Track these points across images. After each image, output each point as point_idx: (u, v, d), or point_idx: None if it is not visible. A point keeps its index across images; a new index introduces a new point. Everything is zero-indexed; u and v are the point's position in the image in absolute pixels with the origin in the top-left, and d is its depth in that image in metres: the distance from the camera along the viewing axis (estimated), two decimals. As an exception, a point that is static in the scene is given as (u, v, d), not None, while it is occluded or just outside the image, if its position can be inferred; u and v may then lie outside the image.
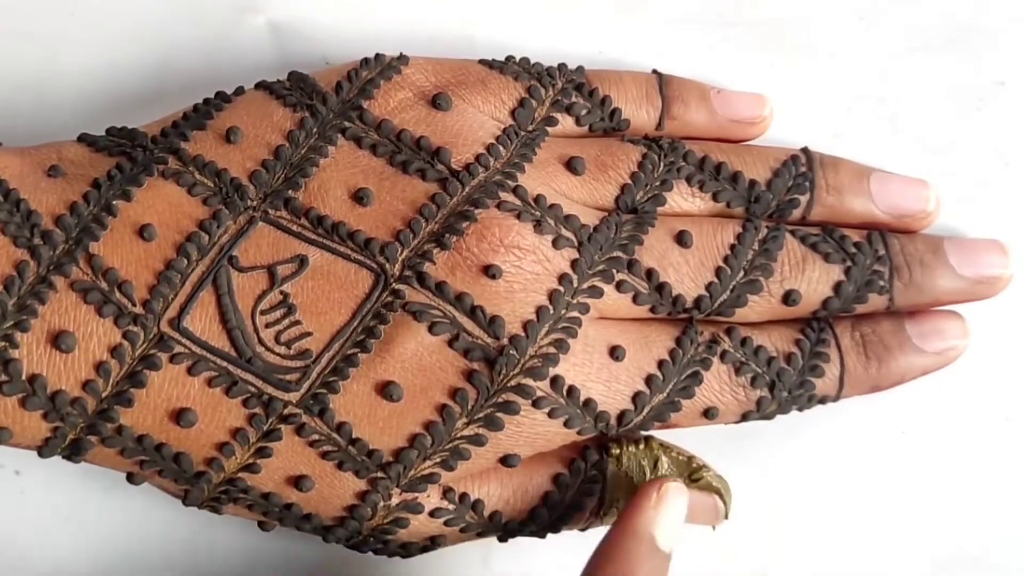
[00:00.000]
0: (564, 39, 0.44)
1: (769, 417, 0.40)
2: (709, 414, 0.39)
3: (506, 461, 0.38)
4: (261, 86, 0.40)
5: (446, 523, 0.38)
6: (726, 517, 0.41)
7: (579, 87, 0.41)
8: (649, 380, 0.38)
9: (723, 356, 0.39)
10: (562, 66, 0.41)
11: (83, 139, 0.39)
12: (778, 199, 0.41)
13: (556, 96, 0.41)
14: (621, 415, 0.38)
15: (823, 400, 0.40)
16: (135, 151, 0.38)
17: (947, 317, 0.41)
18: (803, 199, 0.41)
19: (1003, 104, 0.44)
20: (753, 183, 0.40)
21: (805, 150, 0.41)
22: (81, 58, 0.43)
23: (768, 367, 0.39)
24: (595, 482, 0.39)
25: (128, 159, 0.38)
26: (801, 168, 0.41)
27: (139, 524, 0.43)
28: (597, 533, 0.41)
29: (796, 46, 0.44)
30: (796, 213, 0.41)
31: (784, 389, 0.40)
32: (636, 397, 0.38)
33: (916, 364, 0.41)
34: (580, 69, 0.41)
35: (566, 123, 0.40)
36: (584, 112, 0.41)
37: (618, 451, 0.40)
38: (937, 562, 0.43)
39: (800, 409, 0.40)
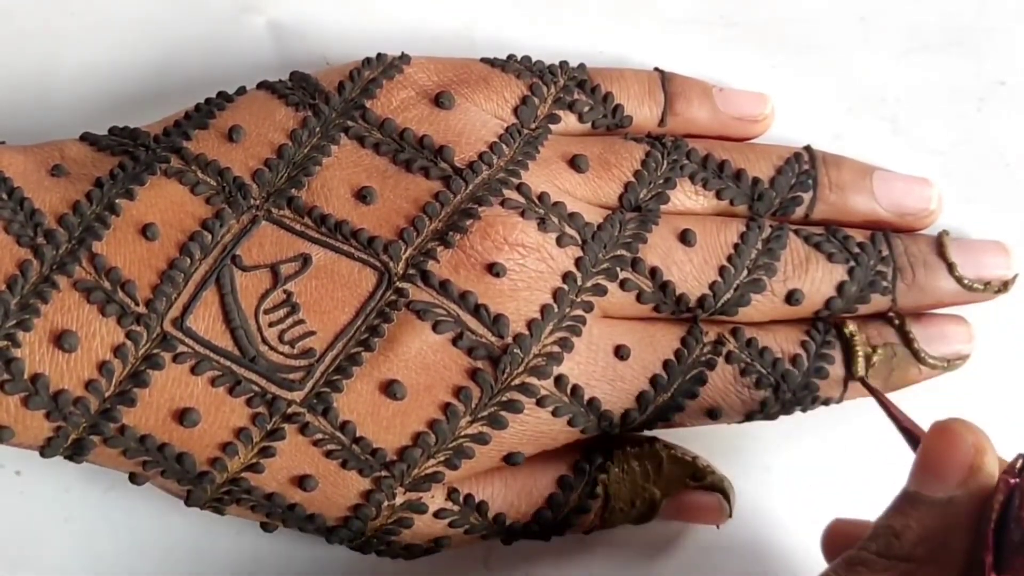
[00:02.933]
0: (565, 40, 0.44)
1: (772, 417, 0.41)
2: (713, 414, 0.39)
3: (510, 459, 0.38)
4: (263, 86, 0.40)
5: (450, 524, 0.39)
6: (729, 516, 0.41)
7: (581, 84, 0.41)
8: (654, 380, 0.39)
9: (728, 357, 0.39)
10: (564, 63, 0.42)
11: (85, 138, 0.39)
12: (781, 197, 0.41)
13: (558, 94, 0.41)
14: (624, 414, 0.39)
15: (827, 402, 0.41)
16: (137, 150, 0.38)
17: (952, 322, 0.41)
18: (806, 197, 0.41)
19: (1003, 104, 0.44)
20: (756, 181, 0.41)
21: (808, 148, 0.42)
22: (81, 58, 0.44)
23: (773, 368, 0.40)
24: (599, 484, 0.40)
25: (130, 158, 0.38)
26: (804, 166, 0.41)
27: (139, 525, 0.43)
28: (600, 536, 0.41)
29: (797, 47, 0.45)
30: (799, 211, 0.41)
31: (788, 390, 0.40)
32: (640, 397, 0.38)
33: (921, 369, 0.41)
34: (582, 66, 0.42)
35: (569, 120, 0.41)
36: (587, 109, 0.41)
37: (622, 453, 0.40)
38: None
39: (803, 410, 0.41)
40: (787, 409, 0.40)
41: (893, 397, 0.41)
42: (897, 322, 0.40)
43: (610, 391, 0.38)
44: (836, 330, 0.40)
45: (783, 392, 0.40)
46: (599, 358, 0.38)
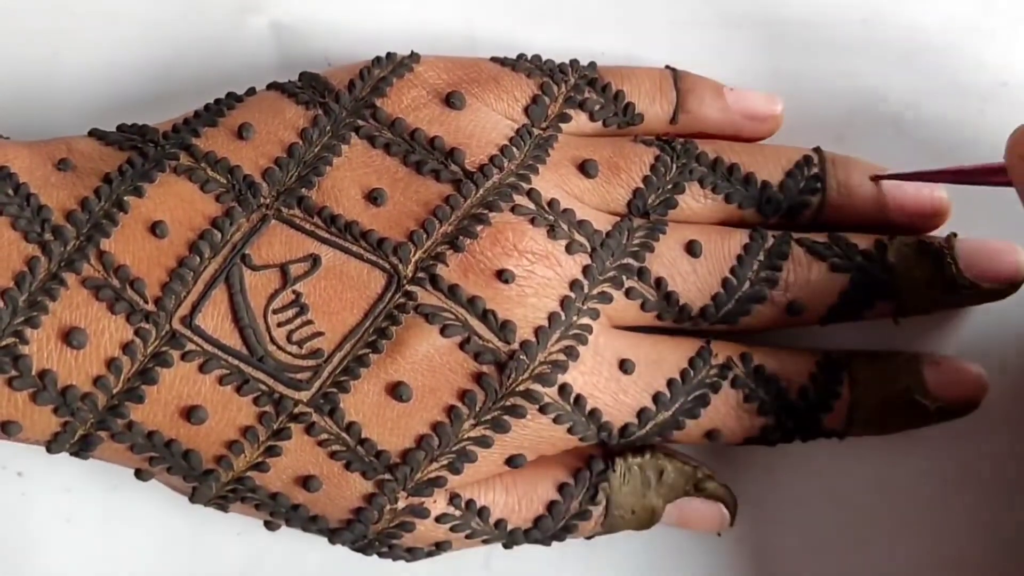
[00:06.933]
0: (568, 42, 0.44)
1: (771, 444, 0.41)
2: (711, 436, 0.41)
3: (512, 462, 0.39)
4: (273, 86, 0.41)
5: (452, 529, 0.40)
6: (730, 524, 0.42)
7: (592, 83, 0.42)
8: (656, 397, 0.40)
9: (734, 381, 0.40)
10: (574, 62, 0.42)
11: (93, 133, 0.40)
12: (790, 200, 0.42)
13: (569, 92, 0.42)
14: (624, 427, 0.40)
15: (829, 435, 0.41)
16: (146, 146, 0.39)
17: (967, 366, 0.42)
18: (814, 200, 0.42)
19: (1006, 105, 0.45)
20: (765, 184, 0.41)
21: (817, 150, 0.42)
22: (82, 58, 0.44)
23: (777, 398, 0.40)
24: (599, 492, 0.40)
25: (139, 154, 0.39)
26: (813, 169, 0.42)
27: (140, 525, 0.44)
28: (602, 542, 0.42)
29: (799, 48, 0.45)
30: (807, 214, 0.42)
31: (790, 420, 0.41)
32: (641, 412, 0.40)
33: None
34: (592, 65, 0.43)
35: (580, 119, 0.42)
36: (597, 107, 0.42)
37: (623, 461, 0.41)
38: (938, 564, 0.44)
39: (803, 440, 0.42)
40: (787, 438, 0.41)
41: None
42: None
43: (612, 403, 0.39)
44: (848, 365, 0.41)
45: (785, 422, 0.41)
46: (603, 369, 0.39)
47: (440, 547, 0.40)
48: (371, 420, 0.38)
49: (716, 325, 0.41)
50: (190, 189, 0.38)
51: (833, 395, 0.41)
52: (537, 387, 0.38)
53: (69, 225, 0.37)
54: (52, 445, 0.37)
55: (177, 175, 0.38)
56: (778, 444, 0.42)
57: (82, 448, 0.37)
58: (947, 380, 0.41)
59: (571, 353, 0.38)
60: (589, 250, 0.39)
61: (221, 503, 0.39)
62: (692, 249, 0.40)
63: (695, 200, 0.41)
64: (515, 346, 0.38)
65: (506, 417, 0.38)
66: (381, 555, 0.40)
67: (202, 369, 0.37)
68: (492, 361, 0.38)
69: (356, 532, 0.39)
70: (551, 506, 0.40)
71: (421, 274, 0.38)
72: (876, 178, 0.42)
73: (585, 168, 0.40)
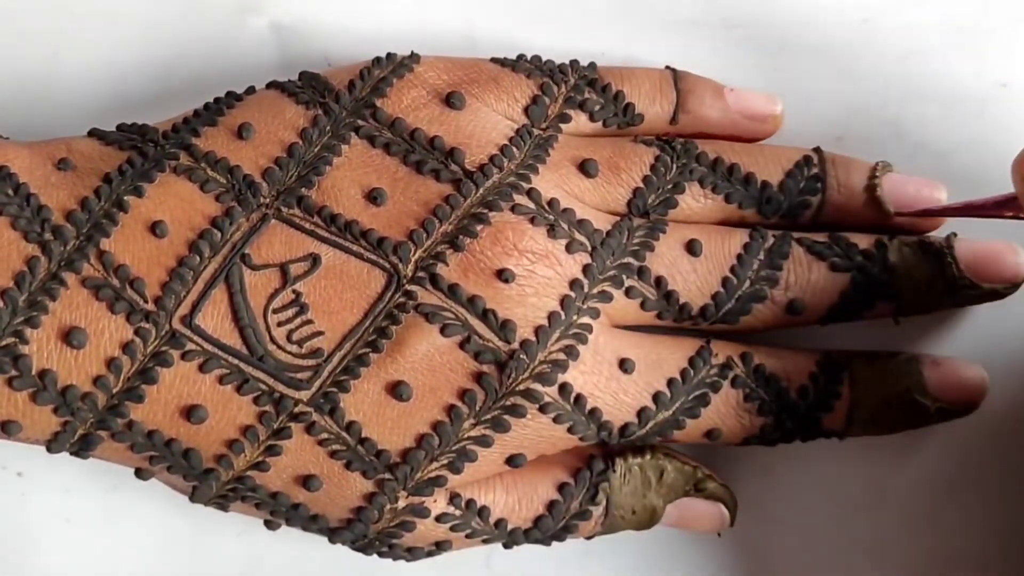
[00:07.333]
0: (568, 42, 0.44)
1: (771, 444, 0.42)
2: (711, 435, 0.41)
3: (512, 461, 0.39)
4: (273, 85, 0.41)
5: (452, 528, 0.40)
6: (730, 525, 0.42)
7: (592, 83, 0.42)
8: (656, 397, 0.40)
9: (734, 381, 0.41)
10: (574, 62, 0.43)
11: (93, 133, 0.40)
12: (790, 201, 0.42)
13: (569, 93, 0.42)
14: (624, 427, 0.40)
15: (828, 435, 0.42)
16: (146, 146, 0.39)
17: (967, 367, 0.42)
18: (815, 200, 0.42)
19: (1005, 106, 0.45)
20: (765, 185, 0.42)
21: (818, 150, 0.42)
22: (82, 58, 0.44)
23: (777, 398, 0.41)
24: (600, 492, 0.41)
25: (139, 154, 0.39)
26: (813, 169, 0.42)
27: (140, 525, 0.44)
28: (602, 542, 0.42)
29: (799, 49, 0.45)
30: (807, 214, 0.42)
31: (790, 420, 0.41)
32: (641, 412, 0.40)
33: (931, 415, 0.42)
34: (592, 65, 0.43)
35: (579, 120, 0.42)
36: (597, 108, 0.42)
37: (623, 461, 0.41)
38: (938, 564, 0.44)
39: (803, 440, 0.42)
40: (787, 438, 0.42)
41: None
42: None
43: (612, 403, 0.39)
44: (848, 365, 0.41)
45: (785, 422, 0.41)
46: (603, 369, 0.39)
47: (440, 547, 0.40)
48: (371, 419, 0.38)
49: (716, 324, 0.41)
50: (190, 189, 0.38)
51: (833, 395, 0.41)
52: (537, 386, 0.38)
53: (69, 225, 0.37)
54: (52, 445, 0.37)
55: (177, 175, 0.38)
56: (778, 444, 0.42)
57: (82, 448, 0.38)
58: (947, 380, 0.42)
59: (571, 352, 0.39)
60: (589, 249, 0.39)
61: (221, 502, 0.39)
62: (692, 248, 0.40)
63: (695, 200, 0.41)
64: (515, 345, 0.38)
65: (506, 416, 0.38)
66: (381, 554, 0.40)
67: (202, 369, 0.37)
68: (492, 360, 0.38)
69: (356, 531, 0.39)
70: (551, 506, 0.40)
71: (421, 273, 0.38)
72: (896, 214, 0.42)
73: (585, 168, 0.40)
